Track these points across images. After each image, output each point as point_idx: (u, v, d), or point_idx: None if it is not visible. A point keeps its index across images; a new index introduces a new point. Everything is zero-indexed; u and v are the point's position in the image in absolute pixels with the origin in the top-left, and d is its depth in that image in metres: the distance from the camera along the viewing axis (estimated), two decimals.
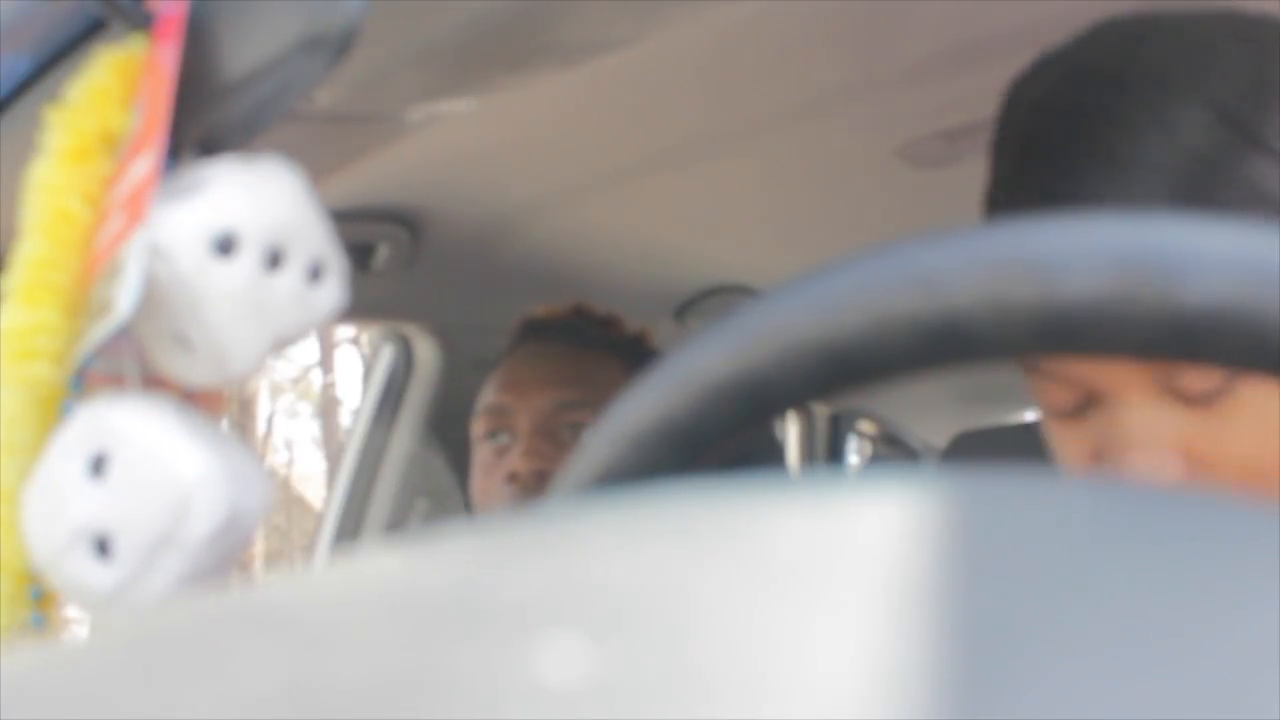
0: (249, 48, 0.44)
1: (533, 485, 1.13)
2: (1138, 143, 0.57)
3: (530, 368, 1.21)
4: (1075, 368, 0.59)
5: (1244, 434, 0.57)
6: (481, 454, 1.20)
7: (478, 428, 1.21)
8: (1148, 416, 0.57)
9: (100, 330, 0.41)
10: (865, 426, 2.31)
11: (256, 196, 0.42)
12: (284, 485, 10.05)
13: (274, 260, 0.42)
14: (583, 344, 1.22)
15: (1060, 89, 0.62)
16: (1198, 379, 0.56)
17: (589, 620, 0.15)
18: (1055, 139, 0.60)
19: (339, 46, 0.43)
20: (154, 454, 0.40)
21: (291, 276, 0.43)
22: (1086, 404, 0.60)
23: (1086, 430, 0.60)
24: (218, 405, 0.47)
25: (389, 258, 1.31)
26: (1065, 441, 0.62)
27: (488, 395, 1.22)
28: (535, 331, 1.24)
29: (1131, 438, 0.57)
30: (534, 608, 0.15)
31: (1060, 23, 0.66)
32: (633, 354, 1.23)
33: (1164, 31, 0.61)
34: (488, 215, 1.33)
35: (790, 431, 2.21)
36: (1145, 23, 0.62)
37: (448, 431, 1.23)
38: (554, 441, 1.16)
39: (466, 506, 1.30)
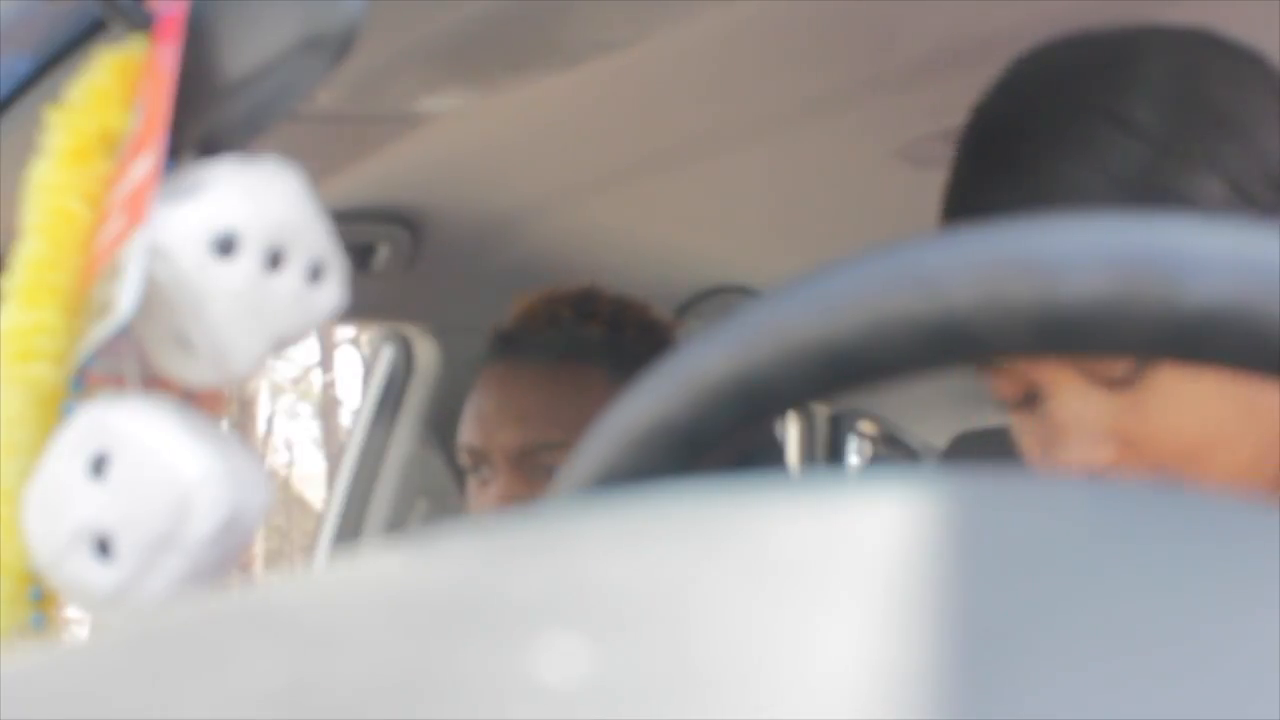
0: (249, 48, 0.44)
1: None
2: (1068, 179, 0.58)
3: (496, 402, 1.11)
4: (1011, 371, 0.60)
5: (1167, 415, 0.58)
6: (470, 482, 1.15)
7: (460, 458, 1.15)
8: (1077, 405, 0.59)
9: (100, 330, 0.41)
10: (865, 426, 2.31)
11: (256, 197, 0.42)
12: (284, 485, 10.05)
13: (274, 260, 0.42)
14: (557, 358, 1.11)
15: (987, 131, 0.63)
16: (1112, 362, 0.58)
17: (589, 620, 0.15)
18: (987, 187, 0.62)
19: (339, 46, 0.43)
20: (154, 454, 0.40)
21: (291, 277, 0.43)
22: (1031, 397, 0.62)
23: (1036, 423, 0.62)
24: (218, 405, 0.47)
25: (389, 258, 1.31)
26: (1023, 434, 0.64)
27: (463, 428, 1.14)
28: (504, 349, 1.14)
29: (1066, 426, 0.59)
30: (534, 608, 0.15)
31: (1059, 23, 0.66)
32: (630, 355, 1.11)
33: (1086, 59, 0.62)
34: (488, 215, 1.33)
35: (790, 431, 2.21)
36: (1068, 50, 0.63)
37: (448, 431, 1.23)
38: (531, 477, 1.09)
39: (467, 508, 1.29)
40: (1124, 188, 0.57)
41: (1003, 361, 0.60)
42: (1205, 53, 0.61)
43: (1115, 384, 0.58)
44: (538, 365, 1.11)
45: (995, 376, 0.62)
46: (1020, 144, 0.61)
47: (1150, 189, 0.57)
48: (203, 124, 0.45)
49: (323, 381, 10.90)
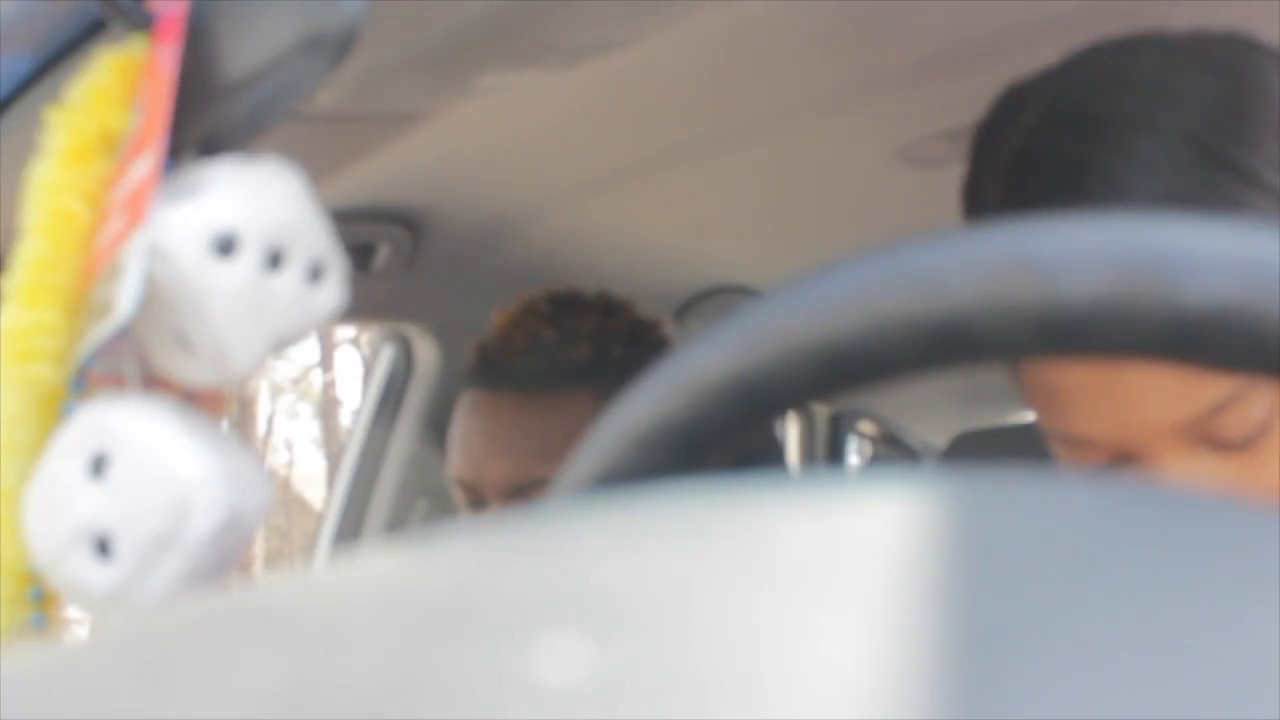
0: (249, 48, 0.44)
1: None
2: (1121, 188, 0.57)
3: (483, 434, 1.08)
4: (1105, 431, 0.58)
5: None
6: (462, 510, 1.12)
7: (452, 491, 1.11)
8: (1187, 469, 0.57)
9: (101, 330, 0.41)
10: (865, 426, 2.31)
11: (256, 196, 0.42)
12: (284, 485, 10.05)
13: (274, 260, 0.42)
14: (542, 386, 1.06)
15: (1037, 138, 0.61)
16: (1235, 425, 0.56)
17: (589, 620, 0.15)
18: (1036, 190, 0.60)
19: (339, 46, 0.43)
20: (154, 454, 0.40)
21: (292, 276, 0.43)
22: (1116, 464, 0.59)
23: None
24: (218, 405, 0.47)
25: (389, 258, 1.30)
26: None
27: (452, 460, 1.10)
28: (485, 375, 1.09)
29: None
30: (534, 608, 0.15)
31: (1060, 23, 0.66)
32: (617, 371, 1.04)
33: (1135, 69, 0.60)
34: (488, 215, 1.33)
35: (790, 431, 2.21)
36: (1116, 58, 0.62)
37: (448, 432, 1.24)
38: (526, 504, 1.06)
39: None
40: (1176, 200, 0.56)
41: (1091, 433, 0.58)
42: (1248, 59, 0.60)
43: (1230, 447, 0.57)
44: (523, 394, 1.07)
45: (1069, 447, 0.60)
46: (1066, 161, 0.59)
47: (1201, 200, 0.56)
48: (203, 124, 0.45)
49: (323, 381, 10.90)
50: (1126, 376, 0.57)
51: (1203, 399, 0.56)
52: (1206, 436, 0.57)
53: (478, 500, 1.09)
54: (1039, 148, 0.61)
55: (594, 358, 1.08)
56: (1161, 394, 0.56)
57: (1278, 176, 0.57)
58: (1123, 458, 0.59)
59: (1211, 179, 0.56)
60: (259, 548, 9.13)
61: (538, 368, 1.07)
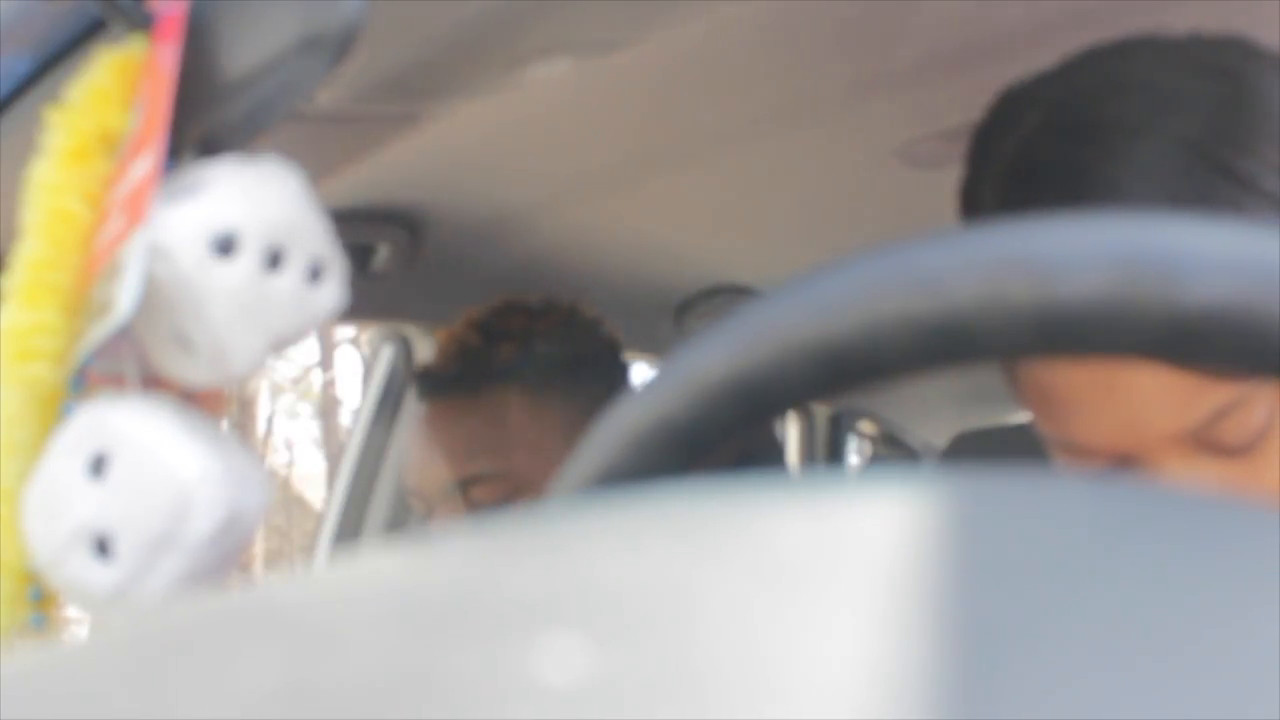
0: (249, 48, 0.44)
1: None
2: (1119, 195, 0.57)
3: (424, 442, 1.13)
4: (1105, 438, 0.58)
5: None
6: (419, 518, 1.17)
7: (409, 502, 1.16)
8: (1184, 476, 0.57)
9: (100, 330, 0.41)
10: (865, 426, 2.31)
11: (256, 196, 0.42)
12: (284, 485, 10.04)
13: (274, 260, 0.42)
14: (473, 389, 1.12)
15: (1034, 143, 0.61)
16: (1236, 431, 0.56)
17: (589, 620, 0.15)
18: (1033, 196, 0.60)
19: (339, 46, 0.43)
20: (154, 454, 0.40)
21: (291, 276, 0.43)
22: (1116, 470, 0.59)
23: None
24: (218, 405, 0.47)
25: (389, 258, 1.30)
26: None
27: (402, 472, 1.15)
28: (425, 388, 1.15)
29: None
30: (534, 608, 0.15)
31: (1059, 24, 0.65)
32: (544, 364, 1.12)
33: (1133, 73, 0.60)
34: (488, 215, 1.33)
35: (790, 431, 2.21)
36: (1114, 63, 0.61)
37: None
38: (466, 512, 1.09)
39: None
40: (1173, 206, 0.56)
41: (1091, 440, 0.58)
42: (1247, 63, 0.60)
43: (1231, 453, 0.57)
44: (456, 400, 1.12)
45: (1071, 453, 0.60)
46: (1063, 166, 0.59)
47: (1199, 206, 0.56)
48: (203, 124, 0.45)
49: (323, 381, 10.90)
50: (1127, 383, 0.56)
51: (1204, 406, 0.56)
52: (1207, 442, 0.57)
53: (428, 506, 1.13)
54: (1036, 153, 0.61)
55: (518, 355, 1.12)
56: (1163, 401, 0.56)
57: (1276, 182, 0.57)
58: (1122, 464, 0.59)
59: (1209, 185, 0.56)
60: (259, 548, 9.13)
61: (461, 371, 1.12)
